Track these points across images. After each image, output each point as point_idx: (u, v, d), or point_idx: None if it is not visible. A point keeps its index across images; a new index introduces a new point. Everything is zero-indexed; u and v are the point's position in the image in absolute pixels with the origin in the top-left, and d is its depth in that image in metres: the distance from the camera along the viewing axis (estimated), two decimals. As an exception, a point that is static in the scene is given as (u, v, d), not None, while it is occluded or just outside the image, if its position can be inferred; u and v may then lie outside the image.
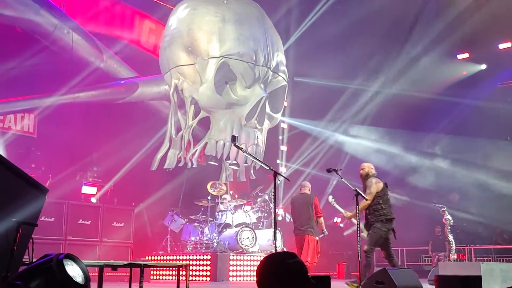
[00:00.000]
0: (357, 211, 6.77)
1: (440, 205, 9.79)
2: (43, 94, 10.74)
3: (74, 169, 10.81)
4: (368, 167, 7.90)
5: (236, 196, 12.13)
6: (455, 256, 9.48)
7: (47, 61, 10.53)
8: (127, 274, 5.73)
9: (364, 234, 7.67)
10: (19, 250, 3.61)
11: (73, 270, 3.46)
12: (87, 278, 3.53)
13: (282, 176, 5.89)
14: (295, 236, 9.20)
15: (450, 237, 9.51)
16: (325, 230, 9.37)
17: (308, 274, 2.59)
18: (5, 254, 3.38)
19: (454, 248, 9.44)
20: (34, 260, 3.75)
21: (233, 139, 6.32)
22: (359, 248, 6.64)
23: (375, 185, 7.61)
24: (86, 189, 10.66)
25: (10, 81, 9.98)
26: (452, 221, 9.55)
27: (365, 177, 7.79)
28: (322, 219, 9.25)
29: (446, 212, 9.65)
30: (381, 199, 7.60)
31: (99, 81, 11.52)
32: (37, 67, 10.28)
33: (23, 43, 10.51)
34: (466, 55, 15.27)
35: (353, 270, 12.81)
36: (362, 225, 7.68)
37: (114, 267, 5.15)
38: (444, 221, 9.63)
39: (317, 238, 9.07)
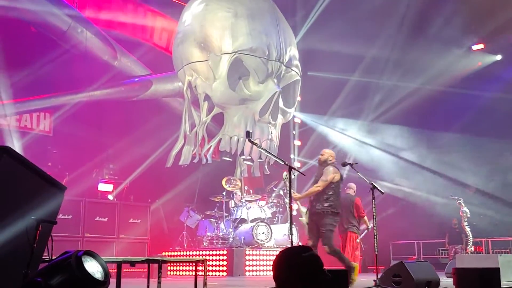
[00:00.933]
0: (374, 205, 6.75)
1: (456, 198, 9.73)
2: (58, 93, 10.83)
3: (90, 166, 10.90)
4: (328, 154, 7.54)
5: (251, 191, 12.16)
6: (472, 249, 9.42)
7: (62, 60, 10.61)
8: (145, 270, 5.79)
9: (304, 219, 7.50)
10: (39, 247, 3.66)
11: (92, 267, 3.50)
12: (106, 274, 3.56)
13: (296, 170, 5.89)
14: (339, 234, 9.30)
15: (467, 229, 9.45)
16: (369, 226, 9.44)
17: (324, 267, 2.60)
18: (26, 252, 3.42)
19: (471, 240, 9.38)
20: (53, 257, 3.80)
21: (247, 134, 6.33)
22: (375, 242, 6.62)
23: (332, 174, 7.23)
24: (102, 187, 10.74)
25: (24, 80, 10.08)
26: (469, 213, 9.49)
27: (323, 163, 7.41)
28: (365, 218, 9.31)
29: (462, 204, 9.59)
30: (332, 190, 7.23)
31: (113, 79, 11.58)
32: (52, 66, 10.37)
33: (38, 42, 10.61)
34: (481, 46, 15.09)
35: (369, 264, 12.78)
36: (304, 209, 7.65)
37: (133, 263, 5.19)
38: (461, 213, 9.58)
39: (359, 235, 9.28)
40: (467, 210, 9.48)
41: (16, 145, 10.05)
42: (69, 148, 10.63)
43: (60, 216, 8.84)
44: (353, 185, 9.64)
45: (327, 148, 7.91)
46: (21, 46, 10.47)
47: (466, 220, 9.46)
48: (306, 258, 2.56)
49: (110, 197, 10.73)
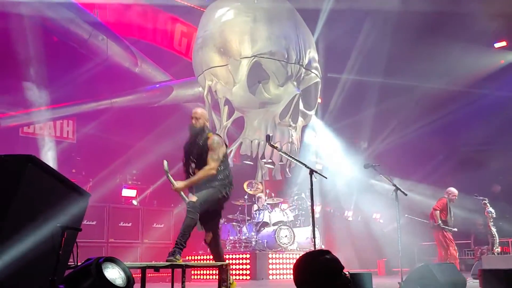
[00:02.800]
0: (397, 207, 6.69)
1: (481, 198, 9.59)
2: (81, 101, 10.99)
3: (113, 172, 11.02)
4: (204, 117, 5.93)
5: (273, 194, 12.16)
6: (499, 249, 9.27)
7: (84, 68, 10.77)
8: (169, 274, 5.83)
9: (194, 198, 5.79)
10: (64, 254, 3.72)
11: (113, 273, 3.55)
12: (129, 280, 3.60)
13: (318, 173, 5.87)
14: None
15: (493, 229, 9.30)
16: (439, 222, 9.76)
17: (344, 270, 2.61)
18: (52, 259, 3.48)
19: (497, 241, 9.23)
20: (79, 263, 3.86)
21: (268, 138, 6.33)
22: (399, 244, 6.57)
23: (222, 148, 5.76)
24: (126, 192, 10.86)
25: (48, 89, 10.26)
26: (494, 213, 9.34)
27: (199, 131, 5.79)
28: (436, 212, 9.79)
29: (488, 204, 9.44)
30: (223, 165, 5.77)
31: (134, 86, 11.71)
32: (74, 74, 10.53)
33: (60, 51, 10.79)
34: (504, 44, 14.87)
35: (394, 266, 12.66)
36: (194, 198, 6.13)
37: (157, 268, 5.24)
38: (486, 214, 9.43)
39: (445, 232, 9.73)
40: (493, 210, 9.32)
41: (50, 155, 10.27)
42: (92, 155, 10.77)
43: (84, 222, 8.95)
44: (449, 189, 10.07)
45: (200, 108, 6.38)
46: (45, 56, 10.66)
47: (491, 220, 9.32)
48: (325, 261, 2.58)
49: (135, 202, 10.84)
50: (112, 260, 3.59)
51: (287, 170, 12.06)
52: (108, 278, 3.41)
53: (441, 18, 13.73)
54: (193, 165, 5.78)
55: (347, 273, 2.62)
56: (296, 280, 2.66)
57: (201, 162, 5.69)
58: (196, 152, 5.75)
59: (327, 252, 2.66)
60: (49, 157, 10.14)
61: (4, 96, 10.03)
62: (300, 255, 2.86)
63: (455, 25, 13.57)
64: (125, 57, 11.55)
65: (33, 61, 10.19)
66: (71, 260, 4.18)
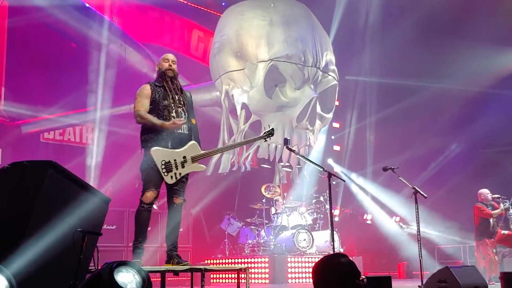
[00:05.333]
0: (417, 210, 6.65)
1: (501, 199, 9.47)
2: (100, 106, 11.10)
3: (132, 177, 11.08)
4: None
5: (291, 198, 12.15)
6: (521, 252, 9.14)
7: (103, 74, 10.89)
8: (188, 278, 5.86)
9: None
10: (85, 258, 3.78)
11: (127, 277, 3.58)
12: (144, 282, 3.63)
13: (336, 176, 5.86)
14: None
15: (516, 232, 9.18)
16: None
17: (361, 274, 2.61)
18: (73, 263, 3.53)
19: (519, 244, 9.10)
20: (99, 267, 3.91)
21: (285, 142, 6.36)
22: (419, 247, 6.52)
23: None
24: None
25: (68, 95, 10.40)
26: (515, 216, 9.22)
27: (176, 78, 5.80)
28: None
29: (510, 207, 9.32)
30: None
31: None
32: (93, 80, 10.66)
33: (79, 57, 10.93)
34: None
35: (414, 270, 12.55)
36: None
37: (176, 272, 5.27)
38: (507, 216, 9.31)
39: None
40: (514, 213, 9.21)
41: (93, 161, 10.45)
42: (111, 160, 10.86)
43: (105, 226, 9.00)
44: (481, 190, 9.89)
45: None
46: (64, 62, 10.81)
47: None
48: (339, 265, 2.59)
49: (155, 206, 10.87)
50: (126, 264, 3.63)
51: (305, 173, 12.03)
52: (120, 283, 3.44)
53: (458, 19, 13.63)
54: (182, 112, 5.52)
55: (364, 277, 2.62)
56: (314, 284, 2.68)
57: (192, 114, 5.65)
58: (183, 101, 5.63)
59: (343, 255, 2.67)
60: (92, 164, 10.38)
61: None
62: (319, 258, 2.88)
63: (472, 27, 13.45)
64: (143, 62, 11.64)
65: (52, 67, 10.39)
66: (92, 264, 4.24)
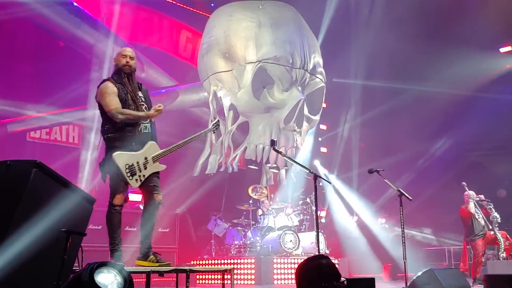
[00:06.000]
0: (401, 212, 6.70)
1: (486, 202, 9.56)
2: (87, 105, 11.05)
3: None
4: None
5: (277, 199, 12.18)
6: (504, 254, 9.22)
7: (90, 74, 10.84)
8: (174, 279, 5.85)
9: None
10: (69, 258, 3.76)
11: (108, 278, 3.57)
12: (125, 283, 3.62)
13: (322, 178, 5.89)
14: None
15: (498, 235, 9.27)
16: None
17: (341, 276, 2.65)
18: (57, 263, 3.52)
19: (503, 246, 9.19)
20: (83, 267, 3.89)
21: (272, 143, 6.38)
22: (404, 249, 6.57)
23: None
24: (132, 197, 10.87)
25: (55, 94, 10.34)
26: (499, 218, 9.31)
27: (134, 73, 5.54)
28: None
29: (493, 209, 9.42)
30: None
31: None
32: (80, 79, 10.60)
33: (67, 57, 10.87)
34: (509, 48, 14.87)
35: (398, 271, 12.63)
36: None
37: (161, 273, 5.27)
38: (491, 218, 9.40)
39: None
40: (498, 215, 9.29)
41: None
42: (98, 160, 10.81)
43: (90, 226, 8.96)
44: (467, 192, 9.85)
45: None
46: (51, 61, 10.75)
47: (496, 225, 9.29)
48: (319, 266, 2.63)
49: (141, 206, 10.83)
50: (107, 264, 3.62)
51: (292, 175, 12.07)
52: (101, 284, 3.43)
53: (445, 23, 13.76)
54: (145, 110, 5.46)
55: (344, 279, 2.65)
56: (297, 285, 2.71)
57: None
58: (144, 96, 5.58)
59: (324, 257, 2.71)
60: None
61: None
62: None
63: (459, 30, 13.59)
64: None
65: (40, 65, 10.32)
66: (76, 264, 4.23)
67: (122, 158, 5.14)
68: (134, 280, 3.86)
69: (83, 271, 3.44)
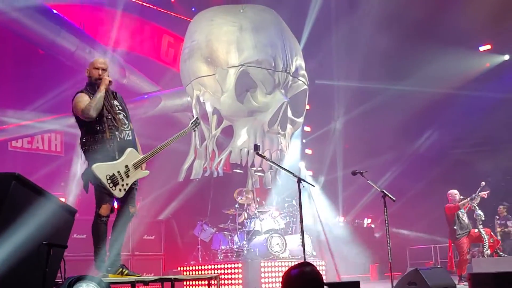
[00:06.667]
0: (386, 213, 6.73)
1: (470, 200, 9.65)
2: (69, 113, 10.94)
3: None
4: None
5: (263, 202, 12.16)
6: (489, 252, 9.31)
7: (71, 81, 10.74)
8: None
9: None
10: (51, 271, 3.71)
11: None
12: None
13: (306, 182, 5.90)
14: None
15: (482, 232, 9.36)
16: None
17: (323, 282, 2.65)
18: (39, 276, 3.47)
19: (487, 243, 9.29)
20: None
21: (256, 148, 6.36)
22: (389, 249, 6.60)
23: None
24: (117, 204, 10.78)
25: (35, 102, 10.24)
26: (483, 216, 9.41)
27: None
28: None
29: (476, 207, 9.51)
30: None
31: (122, 97, 11.67)
32: (61, 87, 10.50)
33: (46, 64, 10.77)
34: (488, 47, 15.05)
35: (385, 271, 12.70)
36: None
37: (146, 282, 5.23)
38: (475, 216, 9.49)
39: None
40: (481, 213, 9.39)
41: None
42: (82, 169, 10.72)
43: (74, 235, 8.91)
44: (450, 191, 10.06)
45: None
46: (31, 69, 10.64)
47: (480, 223, 9.38)
48: (305, 274, 2.62)
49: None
50: (86, 278, 3.59)
51: (277, 177, 12.07)
52: None
53: (426, 22, 13.88)
54: (123, 118, 5.45)
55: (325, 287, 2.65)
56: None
57: (129, 117, 5.55)
58: (120, 104, 5.52)
59: (308, 265, 2.70)
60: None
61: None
62: (293, 263, 2.90)
63: (440, 29, 13.73)
64: (113, 69, 11.52)
65: (20, 74, 10.20)
66: (59, 275, 4.17)
67: (101, 169, 5.09)
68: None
69: (61, 286, 3.40)
